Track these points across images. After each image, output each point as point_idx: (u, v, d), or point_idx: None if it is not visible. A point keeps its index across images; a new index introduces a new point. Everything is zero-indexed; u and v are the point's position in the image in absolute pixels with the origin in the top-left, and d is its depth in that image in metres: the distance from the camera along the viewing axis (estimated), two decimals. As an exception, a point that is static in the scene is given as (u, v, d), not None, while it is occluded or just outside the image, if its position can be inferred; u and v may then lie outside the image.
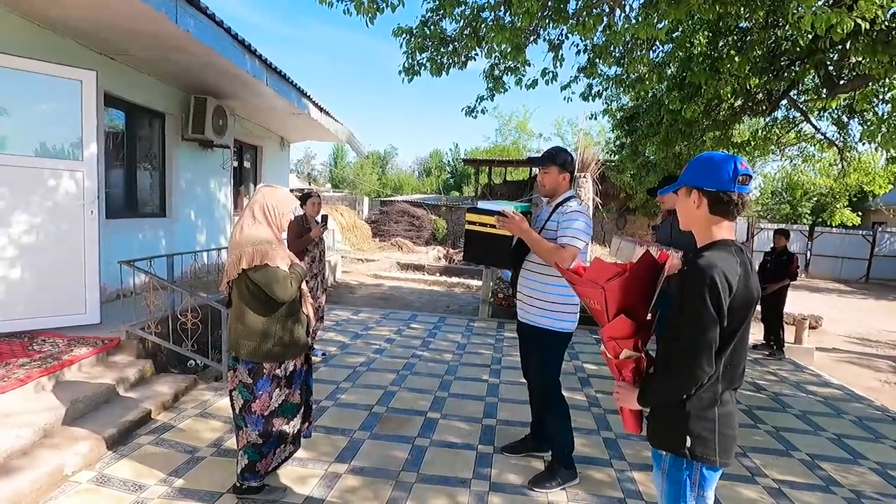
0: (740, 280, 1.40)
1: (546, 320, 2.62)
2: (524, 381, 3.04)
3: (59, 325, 3.85)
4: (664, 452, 1.53)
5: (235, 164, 7.72)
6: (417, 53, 4.81)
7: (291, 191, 3.30)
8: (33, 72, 3.61)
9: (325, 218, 4.50)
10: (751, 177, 1.46)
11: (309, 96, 6.67)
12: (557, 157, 2.69)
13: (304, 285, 2.44)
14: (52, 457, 2.56)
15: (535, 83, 5.08)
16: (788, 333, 6.24)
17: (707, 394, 1.44)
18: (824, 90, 5.39)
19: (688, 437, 1.44)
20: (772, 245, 6.27)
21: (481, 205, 2.67)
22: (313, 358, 4.51)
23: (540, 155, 2.83)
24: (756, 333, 5.78)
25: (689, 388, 1.41)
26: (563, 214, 2.58)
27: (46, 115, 3.74)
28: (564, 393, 2.80)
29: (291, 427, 2.46)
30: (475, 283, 10.01)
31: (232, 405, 2.38)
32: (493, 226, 2.56)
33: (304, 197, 4.34)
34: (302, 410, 2.54)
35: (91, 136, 3.91)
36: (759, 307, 5.81)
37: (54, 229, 3.80)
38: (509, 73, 4.97)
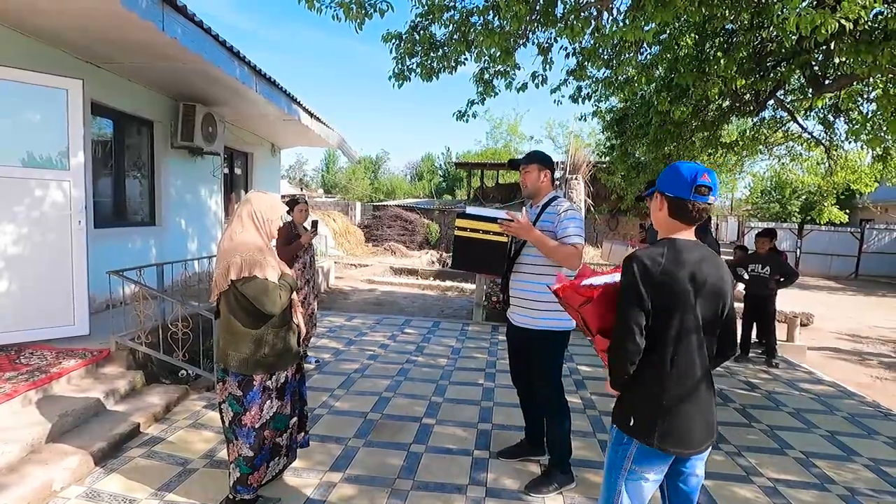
0: (663, 269, 1.53)
1: (547, 321, 2.60)
2: (518, 385, 3.03)
3: (48, 338, 3.79)
4: (615, 427, 1.69)
5: (226, 171, 7.67)
6: (407, 58, 4.80)
7: (282, 197, 3.27)
8: (18, 81, 3.57)
9: (314, 223, 4.48)
10: (710, 188, 1.56)
11: (299, 102, 6.65)
12: (536, 156, 2.74)
13: (294, 294, 2.42)
14: (40, 472, 2.51)
15: (525, 86, 5.10)
16: (780, 331, 6.26)
17: (652, 384, 1.58)
18: (810, 90, 5.45)
19: (632, 418, 1.61)
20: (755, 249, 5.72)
21: (471, 210, 2.63)
22: (307, 365, 4.48)
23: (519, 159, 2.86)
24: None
25: (623, 363, 1.57)
26: (559, 215, 2.58)
27: (32, 124, 3.70)
28: (560, 396, 2.79)
29: (284, 439, 2.44)
30: (469, 286, 10.00)
31: (221, 418, 2.34)
32: (486, 232, 2.53)
33: (292, 203, 4.31)
34: (295, 422, 2.51)
35: (78, 145, 3.87)
36: (742, 307, 5.75)
37: (41, 240, 3.75)
38: (499, 77, 4.98)
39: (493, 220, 2.51)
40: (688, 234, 1.63)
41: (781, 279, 5.35)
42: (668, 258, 1.56)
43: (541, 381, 2.72)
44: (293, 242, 4.21)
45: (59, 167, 3.81)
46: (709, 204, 1.58)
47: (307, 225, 4.42)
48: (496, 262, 2.63)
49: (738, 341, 1.68)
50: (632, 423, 1.61)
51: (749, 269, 5.53)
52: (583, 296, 1.63)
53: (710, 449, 1.65)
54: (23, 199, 3.66)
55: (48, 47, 4.16)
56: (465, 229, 2.59)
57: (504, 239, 2.55)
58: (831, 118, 6.75)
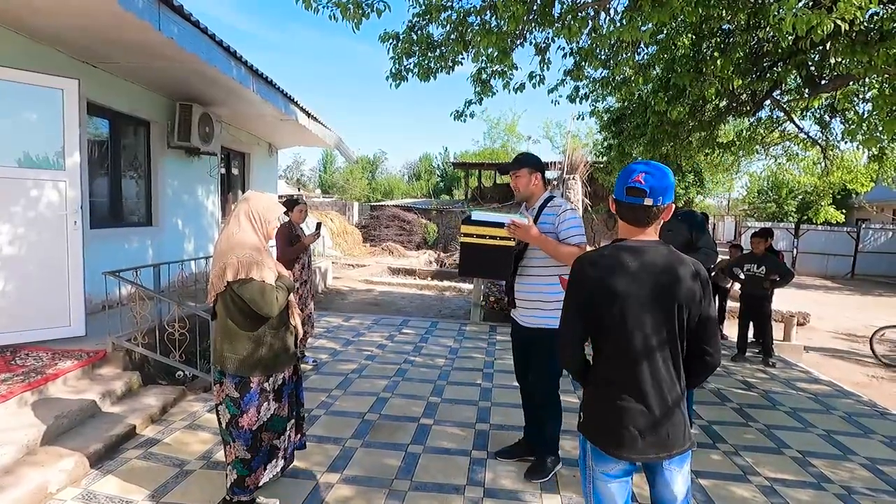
0: (599, 271, 1.55)
1: (551, 321, 2.59)
2: (517, 384, 3.03)
3: (44, 339, 3.77)
4: None
5: (223, 171, 7.65)
6: (405, 59, 4.81)
7: (280, 197, 3.26)
8: (13, 81, 3.55)
9: (318, 225, 4.47)
10: (640, 190, 1.51)
11: (297, 102, 6.64)
12: (525, 160, 2.75)
13: (291, 295, 2.41)
14: (36, 474, 2.50)
15: (522, 86, 5.10)
16: (777, 330, 6.27)
17: (597, 384, 1.62)
18: (806, 90, 5.46)
19: (581, 414, 1.68)
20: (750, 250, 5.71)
21: (476, 216, 2.59)
22: (304, 366, 4.47)
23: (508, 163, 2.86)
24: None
25: (562, 362, 1.67)
26: (558, 216, 2.59)
27: (28, 124, 3.68)
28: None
29: (282, 441, 2.43)
30: (467, 286, 9.99)
31: (218, 420, 2.33)
32: (493, 237, 2.51)
33: (291, 203, 4.30)
34: (292, 423, 2.50)
35: (74, 146, 3.85)
36: (738, 306, 5.77)
37: (37, 240, 3.73)
38: (497, 77, 4.98)
39: (500, 224, 2.50)
40: (645, 236, 1.57)
41: (777, 279, 5.37)
42: (607, 260, 1.55)
43: (540, 378, 2.77)
44: (294, 243, 4.20)
45: (55, 167, 3.79)
46: (647, 206, 1.51)
47: (305, 226, 4.41)
48: (504, 267, 2.63)
49: (719, 351, 1.61)
50: (581, 420, 1.66)
51: (745, 269, 5.54)
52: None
53: (673, 467, 1.58)
54: (18, 199, 3.64)
55: (44, 47, 4.14)
56: (471, 235, 2.56)
57: (511, 243, 2.54)
58: (827, 118, 6.76)
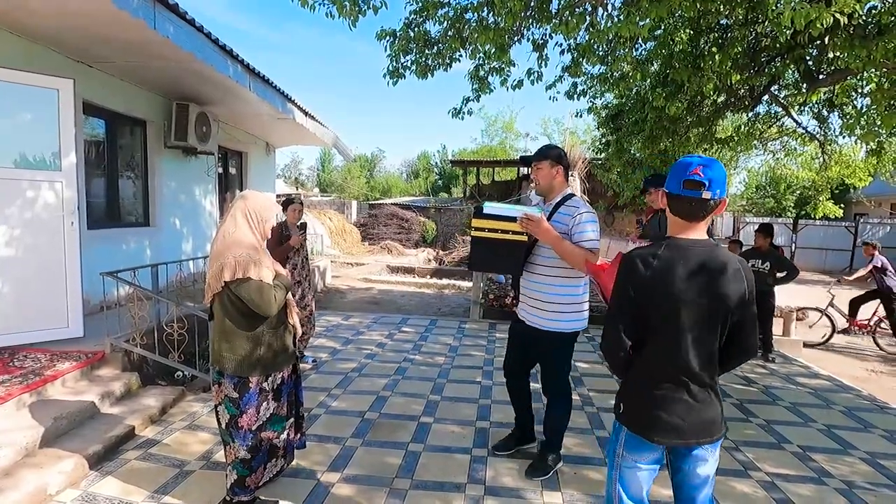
0: (652, 270, 1.54)
1: (559, 323, 2.61)
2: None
3: (42, 340, 3.76)
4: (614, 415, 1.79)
5: (220, 170, 7.63)
6: (402, 56, 4.78)
7: (278, 197, 3.25)
8: (8, 81, 3.53)
9: (303, 225, 4.44)
10: (698, 183, 1.51)
11: (294, 100, 6.61)
12: (549, 152, 2.70)
13: (288, 295, 2.39)
14: (35, 476, 2.49)
15: (520, 83, 5.08)
16: (776, 325, 6.27)
17: (641, 376, 1.64)
18: (804, 85, 5.45)
19: (621, 405, 1.70)
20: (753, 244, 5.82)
21: (488, 209, 2.53)
22: (304, 365, 4.46)
23: (531, 154, 2.82)
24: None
25: (605, 352, 1.69)
26: (574, 217, 2.54)
27: (23, 125, 3.65)
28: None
29: (281, 440, 2.42)
30: (466, 284, 9.99)
31: (218, 420, 2.32)
32: (505, 231, 2.48)
33: (285, 203, 4.28)
34: (291, 422, 2.49)
35: (70, 146, 3.83)
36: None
37: (34, 242, 3.72)
38: (494, 74, 4.96)
39: (512, 218, 2.46)
40: (694, 233, 1.58)
41: (781, 275, 5.38)
42: (660, 259, 1.55)
43: (549, 377, 2.78)
44: (283, 243, 4.18)
45: (52, 168, 3.77)
46: (705, 200, 1.51)
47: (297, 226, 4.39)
48: (513, 262, 2.60)
49: (756, 345, 1.66)
50: (620, 410, 1.69)
51: (749, 265, 5.52)
52: (600, 269, 2.22)
53: (708, 449, 1.62)
54: (15, 200, 3.62)
55: (40, 47, 4.11)
56: (482, 229, 2.52)
57: (524, 238, 2.50)
58: (825, 113, 6.75)
